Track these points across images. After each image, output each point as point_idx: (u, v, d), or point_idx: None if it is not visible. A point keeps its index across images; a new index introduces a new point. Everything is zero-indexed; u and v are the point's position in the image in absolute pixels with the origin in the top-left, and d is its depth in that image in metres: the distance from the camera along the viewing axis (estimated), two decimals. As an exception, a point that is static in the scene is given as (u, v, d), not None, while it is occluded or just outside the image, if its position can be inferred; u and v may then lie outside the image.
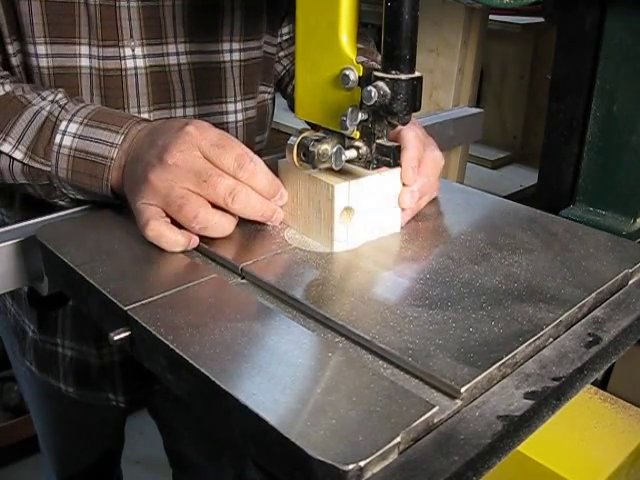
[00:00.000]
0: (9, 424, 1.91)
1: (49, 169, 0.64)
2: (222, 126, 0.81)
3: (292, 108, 0.93)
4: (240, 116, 0.82)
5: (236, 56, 0.80)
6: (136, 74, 0.74)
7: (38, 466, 1.89)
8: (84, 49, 0.71)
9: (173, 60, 0.76)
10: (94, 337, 0.85)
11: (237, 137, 0.81)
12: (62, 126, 0.64)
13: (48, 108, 0.65)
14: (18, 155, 0.64)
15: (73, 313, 0.84)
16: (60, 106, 0.65)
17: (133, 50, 0.73)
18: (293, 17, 0.55)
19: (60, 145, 0.63)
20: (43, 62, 0.70)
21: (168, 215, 0.57)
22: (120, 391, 0.90)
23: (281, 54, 0.92)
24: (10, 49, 0.70)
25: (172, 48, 0.75)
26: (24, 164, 0.64)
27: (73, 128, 0.64)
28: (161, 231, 0.56)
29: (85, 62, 0.71)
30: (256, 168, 0.56)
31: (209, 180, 0.55)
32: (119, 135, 0.62)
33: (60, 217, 0.65)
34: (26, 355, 0.92)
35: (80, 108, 0.65)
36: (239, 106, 0.82)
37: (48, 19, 0.68)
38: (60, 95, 0.67)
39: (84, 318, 0.83)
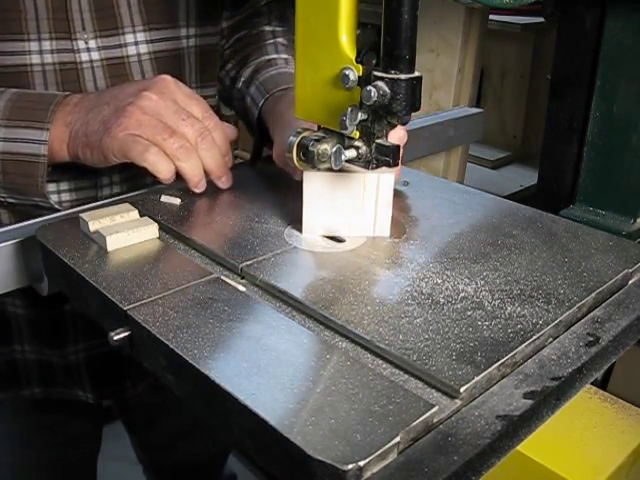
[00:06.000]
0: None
1: None
2: None
3: (224, 98, 0.91)
4: None
5: (192, 42, 0.78)
6: (92, 67, 0.72)
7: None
8: (34, 45, 0.68)
9: (132, 50, 0.74)
10: (56, 339, 0.83)
11: None
12: None
13: None
14: None
15: (29, 320, 0.82)
16: None
17: (87, 43, 0.71)
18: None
19: None
20: None
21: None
22: (88, 387, 0.87)
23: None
24: None
25: (130, 38, 0.73)
26: None
27: None
28: (161, 158, 0.61)
29: (36, 59, 0.69)
30: (219, 123, 0.66)
31: (187, 120, 0.63)
32: (44, 131, 0.63)
33: (60, 217, 0.65)
34: None
35: None
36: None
37: None
38: None
39: (42, 323, 0.81)
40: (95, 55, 0.72)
